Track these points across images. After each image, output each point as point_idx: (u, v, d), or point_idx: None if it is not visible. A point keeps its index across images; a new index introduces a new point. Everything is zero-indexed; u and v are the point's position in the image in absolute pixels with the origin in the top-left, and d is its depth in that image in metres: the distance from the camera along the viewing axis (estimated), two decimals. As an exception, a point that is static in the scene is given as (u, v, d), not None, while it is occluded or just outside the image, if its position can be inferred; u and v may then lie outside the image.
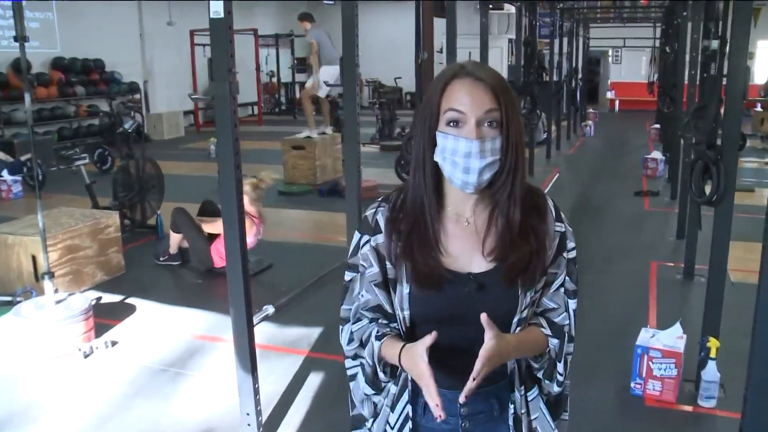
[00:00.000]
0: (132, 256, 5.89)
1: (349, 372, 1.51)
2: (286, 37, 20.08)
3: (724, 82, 3.36)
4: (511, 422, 1.43)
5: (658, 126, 13.00)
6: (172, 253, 5.74)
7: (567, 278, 1.44)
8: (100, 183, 7.16)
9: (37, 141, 10.38)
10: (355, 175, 3.61)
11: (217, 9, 2.46)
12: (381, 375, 1.42)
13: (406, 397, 1.43)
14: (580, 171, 10.84)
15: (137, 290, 5.16)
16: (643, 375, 3.43)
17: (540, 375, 1.46)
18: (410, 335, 1.39)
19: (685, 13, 7.36)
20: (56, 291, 4.18)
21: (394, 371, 1.44)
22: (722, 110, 3.51)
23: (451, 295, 1.33)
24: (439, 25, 6.65)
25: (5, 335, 4.08)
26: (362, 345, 1.44)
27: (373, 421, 1.51)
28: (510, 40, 18.62)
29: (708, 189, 3.61)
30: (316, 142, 9.27)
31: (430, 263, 1.34)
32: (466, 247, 1.37)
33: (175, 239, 5.69)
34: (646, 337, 3.49)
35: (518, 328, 1.37)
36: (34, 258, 4.74)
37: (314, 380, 3.72)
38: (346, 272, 1.47)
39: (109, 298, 5.02)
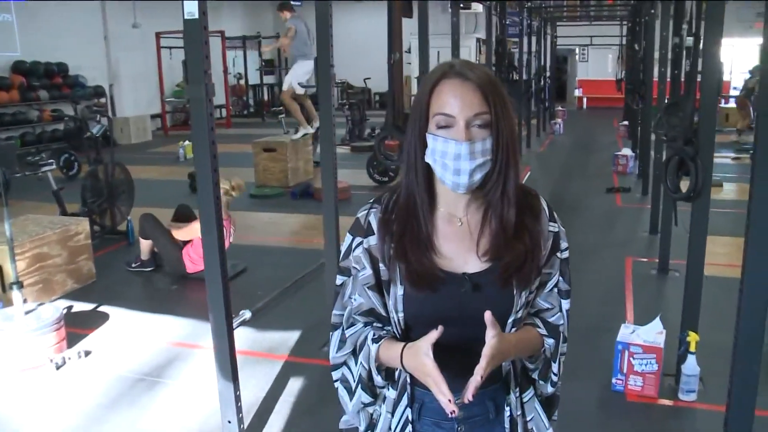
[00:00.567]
0: (103, 263, 5.77)
1: (338, 381, 1.47)
2: (254, 39, 19.93)
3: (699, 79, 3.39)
4: (507, 424, 1.42)
5: (626, 123, 13.17)
6: (144, 259, 5.64)
7: (560, 278, 1.44)
8: (67, 189, 7.01)
9: (-1, 147, 10.18)
10: (332, 177, 3.57)
11: (191, 10, 2.41)
12: (377, 379, 1.39)
13: (405, 400, 1.40)
14: (551, 169, 10.92)
15: (110, 298, 5.05)
16: (624, 371, 3.44)
17: (535, 375, 1.46)
18: (405, 338, 1.37)
19: (652, 11, 7.45)
20: (25, 301, 4.07)
21: (390, 375, 1.41)
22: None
23: (445, 296, 1.31)
24: (407, 25, 6.63)
25: (-27, 348, 3.96)
26: (355, 350, 1.41)
27: None
28: (478, 40, 18.70)
29: (683, 184, 3.65)
30: (287, 144, 9.20)
31: (424, 264, 1.32)
32: (460, 248, 1.35)
33: (145, 245, 5.59)
34: (626, 333, 3.50)
35: (514, 329, 1.36)
36: (0, 268, 4.61)
37: (295, 385, 3.67)
38: (337, 276, 1.44)
39: (80, 306, 4.91)
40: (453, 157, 1.25)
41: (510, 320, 1.35)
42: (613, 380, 3.49)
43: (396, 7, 6.76)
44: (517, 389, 1.43)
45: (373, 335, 1.37)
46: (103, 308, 4.86)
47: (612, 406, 3.43)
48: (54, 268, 5.04)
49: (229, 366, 2.85)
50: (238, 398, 2.93)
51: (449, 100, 1.26)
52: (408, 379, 1.39)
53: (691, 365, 3.35)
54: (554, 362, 1.44)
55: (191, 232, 5.27)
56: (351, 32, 19.57)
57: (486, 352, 1.23)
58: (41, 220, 5.43)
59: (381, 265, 1.36)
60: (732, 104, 15.68)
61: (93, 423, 3.34)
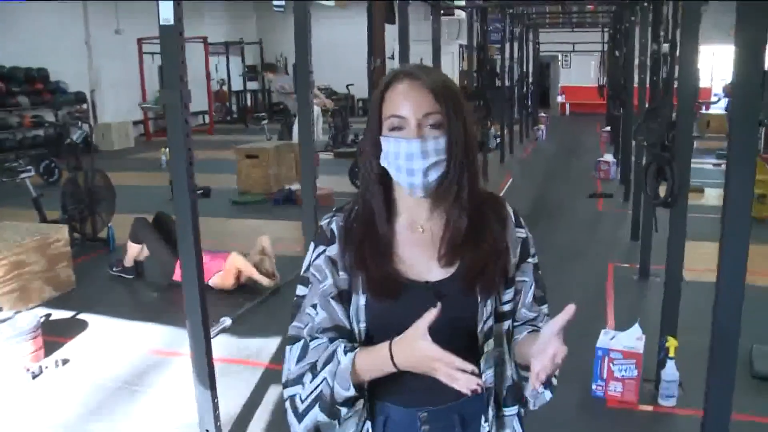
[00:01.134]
0: (83, 270, 5.71)
1: (289, 400, 1.33)
2: (236, 45, 19.88)
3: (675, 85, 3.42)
4: None
5: (608, 129, 13.25)
6: (126, 265, 5.58)
7: (534, 285, 1.42)
8: (47, 196, 6.94)
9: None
10: (311, 183, 3.56)
11: (167, 16, 2.39)
12: (348, 394, 1.26)
13: (364, 414, 1.33)
14: (533, 175, 10.96)
15: (89, 305, 4.99)
16: (604, 377, 3.45)
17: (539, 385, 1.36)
18: None
19: (633, 18, 7.51)
20: (1, 309, 4.01)
21: (360, 389, 1.29)
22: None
23: (408, 305, 1.27)
24: (390, 31, 6.64)
25: (-52, 357, 3.90)
26: (315, 365, 1.29)
27: None
28: (461, 46, 18.78)
29: (662, 190, 3.67)
30: (270, 150, 9.18)
31: (384, 271, 1.29)
32: (422, 255, 1.33)
33: (132, 251, 5.54)
34: (606, 339, 3.51)
35: (488, 341, 1.33)
36: (-23, 275, 4.55)
37: (275, 392, 3.63)
38: (298, 286, 1.38)
39: (59, 314, 4.85)
40: (405, 157, 1.24)
41: (479, 330, 1.32)
42: (593, 386, 3.50)
43: (378, 13, 6.77)
44: (495, 404, 1.38)
45: (345, 347, 1.28)
46: (82, 316, 4.81)
47: (592, 412, 3.43)
48: (31, 275, 4.98)
49: (206, 374, 2.82)
50: (216, 406, 2.90)
51: (400, 101, 1.25)
52: (366, 393, 1.31)
53: (670, 371, 3.36)
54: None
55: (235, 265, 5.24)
56: (334, 38, 19.57)
57: (558, 340, 1.24)
58: (19, 227, 5.38)
59: (342, 273, 1.32)
60: (713, 110, 15.87)
61: (70, 433, 3.30)
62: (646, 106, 5.26)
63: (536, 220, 7.54)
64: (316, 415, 1.29)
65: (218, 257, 5.20)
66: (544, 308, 1.45)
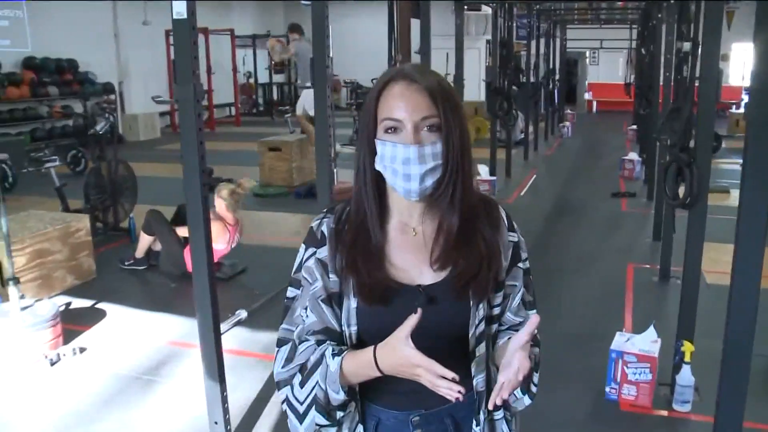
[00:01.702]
0: (104, 259, 5.78)
1: (284, 402, 1.33)
2: (264, 38, 19.93)
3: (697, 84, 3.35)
4: None
5: (635, 127, 13.08)
6: (137, 257, 5.65)
7: (524, 290, 1.40)
8: (72, 185, 7.04)
9: (8, 142, 10.26)
10: (326, 177, 3.55)
11: (180, 10, 2.40)
12: (339, 397, 1.25)
13: (356, 416, 1.33)
14: (557, 172, 10.86)
15: (108, 295, 5.06)
16: (618, 380, 3.41)
17: (518, 390, 1.34)
18: None
19: (660, 15, 7.39)
20: (22, 297, 4.07)
21: (351, 392, 1.30)
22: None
23: (400, 309, 1.24)
24: (417, 25, 6.61)
25: (-31, 343, 3.97)
26: (304, 367, 1.28)
27: None
28: (488, 42, 18.64)
29: (682, 191, 3.61)
30: (293, 143, 9.20)
31: (376, 276, 1.27)
32: (414, 259, 1.31)
33: (144, 242, 5.60)
34: (620, 341, 3.46)
35: (479, 345, 1.31)
36: (0, 263, 4.62)
37: (286, 387, 3.65)
38: (288, 288, 1.37)
39: (79, 303, 4.92)
40: (402, 162, 1.22)
41: (470, 334, 1.30)
42: (607, 389, 3.46)
43: (403, 7, 6.74)
44: (486, 408, 1.36)
45: (332, 350, 1.27)
46: (101, 305, 4.88)
47: (605, 416, 3.39)
48: (54, 264, 5.06)
49: (215, 367, 2.83)
50: (225, 399, 2.92)
51: (396, 103, 1.23)
52: (358, 396, 1.32)
53: (685, 375, 3.31)
54: (536, 372, 1.39)
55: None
56: (361, 32, 19.54)
57: (523, 353, 1.18)
58: (43, 216, 5.45)
59: (333, 275, 1.31)
60: (744, 109, 15.58)
61: (83, 421, 3.34)
62: (670, 104, 5.17)
63: (558, 218, 7.49)
64: (314, 417, 1.29)
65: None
66: (533, 314, 1.40)
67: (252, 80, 20.21)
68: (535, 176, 10.19)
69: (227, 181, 6.03)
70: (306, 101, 9.41)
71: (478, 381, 1.33)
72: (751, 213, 2.20)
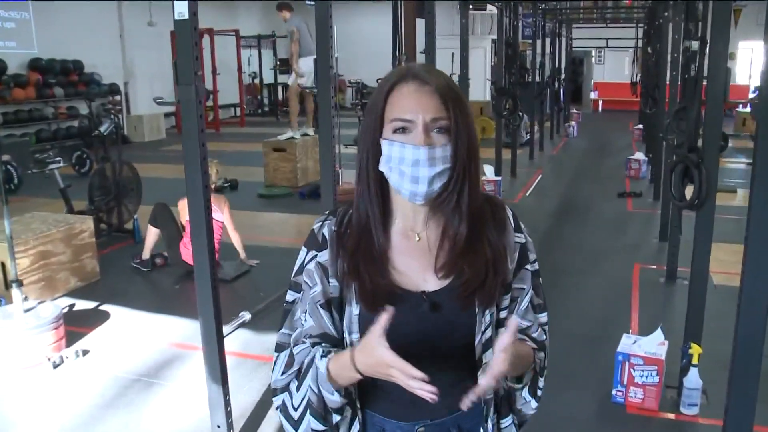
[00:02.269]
0: (108, 261, 5.77)
1: (278, 409, 1.32)
2: (269, 38, 19.95)
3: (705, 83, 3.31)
4: None
5: (641, 126, 13.03)
6: (143, 258, 5.65)
7: (533, 293, 1.35)
8: (77, 186, 7.03)
9: (13, 143, 10.28)
10: (331, 178, 3.53)
11: (181, 10, 2.38)
12: (334, 399, 1.23)
13: (357, 425, 1.30)
14: (563, 172, 10.82)
15: (112, 297, 5.05)
16: (625, 382, 3.37)
17: (525, 392, 1.34)
18: None
19: (666, 14, 7.34)
20: (26, 299, 4.06)
21: (348, 395, 1.27)
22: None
23: (403, 317, 1.21)
24: (422, 25, 6.58)
25: (-28, 345, 3.96)
26: (300, 371, 1.27)
27: None
28: (493, 41, 18.59)
29: (688, 191, 3.57)
30: (297, 143, 9.19)
31: (379, 282, 1.24)
32: (418, 264, 1.27)
33: (151, 237, 5.62)
34: (627, 343, 3.43)
35: (486, 352, 1.27)
36: (3, 265, 4.62)
37: (290, 389, 3.62)
38: (288, 292, 1.35)
39: (82, 305, 4.91)
40: (411, 163, 1.17)
41: (477, 341, 1.27)
42: (613, 392, 3.42)
43: (408, 7, 6.71)
44: (495, 416, 1.34)
45: (322, 352, 1.24)
46: (104, 307, 4.86)
47: (611, 419, 3.35)
48: (57, 265, 5.05)
49: (218, 370, 2.81)
50: (228, 403, 2.89)
51: (407, 104, 1.19)
52: (358, 403, 1.29)
53: (693, 378, 3.27)
54: (541, 377, 1.36)
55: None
56: (367, 32, 19.51)
57: (504, 356, 1.12)
58: (46, 217, 5.45)
59: (333, 280, 1.27)
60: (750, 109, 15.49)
61: (85, 423, 3.32)
62: (677, 104, 5.13)
63: (564, 218, 7.44)
64: (310, 422, 1.26)
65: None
66: (542, 317, 1.37)
67: (257, 81, 20.22)
68: (540, 176, 10.15)
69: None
70: (302, 71, 9.20)
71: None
72: (762, 213, 2.17)
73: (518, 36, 9.87)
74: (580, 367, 3.82)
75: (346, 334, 1.28)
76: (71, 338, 4.20)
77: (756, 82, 17.82)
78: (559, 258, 5.95)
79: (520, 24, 10.34)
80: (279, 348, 1.33)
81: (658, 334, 3.44)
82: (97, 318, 4.66)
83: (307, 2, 14.00)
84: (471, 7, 9.08)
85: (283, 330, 1.33)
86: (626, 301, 4.89)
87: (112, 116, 6.91)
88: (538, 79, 13.04)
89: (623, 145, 13.16)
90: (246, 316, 4.48)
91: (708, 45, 3.18)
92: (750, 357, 2.32)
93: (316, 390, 1.23)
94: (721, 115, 3.21)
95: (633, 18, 14.93)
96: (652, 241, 6.42)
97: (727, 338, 2.45)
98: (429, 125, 1.18)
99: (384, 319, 1.12)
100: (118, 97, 14.48)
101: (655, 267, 5.62)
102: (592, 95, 21.90)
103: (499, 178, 8.70)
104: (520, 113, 9.64)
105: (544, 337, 1.37)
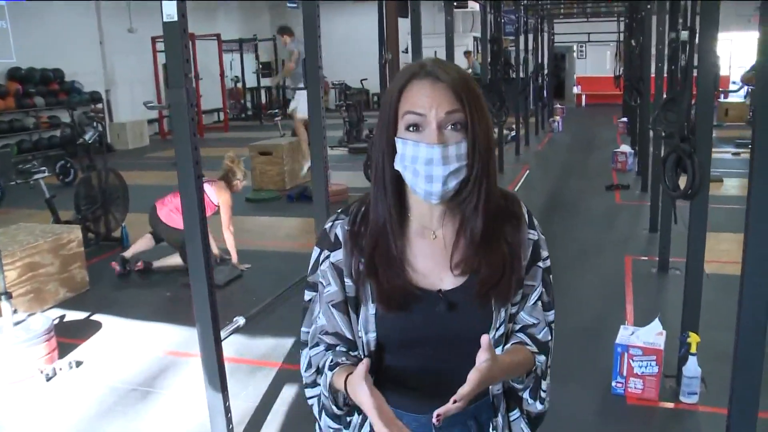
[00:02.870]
0: (97, 271, 5.70)
1: (310, 401, 1.38)
2: (250, 42, 19.87)
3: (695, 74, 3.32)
4: None
5: (625, 119, 13.09)
6: (125, 255, 5.68)
7: (543, 290, 1.34)
8: (62, 196, 6.95)
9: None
10: (323, 179, 3.51)
11: (170, 12, 2.34)
12: (333, 409, 1.28)
13: (367, 428, 1.30)
14: (549, 167, 10.84)
15: (103, 306, 4.98)
16: (624, 373, 3.37)
17: (526, 395, 1.35)
18: (378, 359, 1.27)
19: (648, 6, 7.38)
20: (15, 312, 4.00)
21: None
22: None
23: (419, 315, 1.22)
24: (404, 24, 6.58)
25: (-38, 361, 3.90)
26: (318, 372, 1.32)
27: None
28: (475, 39, 18.64)
29: (681, 181, 3.57)
30: (284, 147, 9.14)
31: (396, 282, 1.23)
32: (434, 263, 1.26)
33: (140, 244, 5.60)
34: (625, 335, 3.43)
35: (499, 347, 1.27)
36: (-9, 277, 4.55)
37: (288, 393, 3.60)
38: (305, 291, 1.35)
39: (73, 316, 4.84)
40: (424, 162, 1.15)
41: (491, 338, 1.25)
42: (613, 383, 3.42)
43: (390, 6, 6.70)
44: (504, 409, 1.34)
45: (331, 361, 1.26)
46: (96, 317, 4.80)
47: (612, 410, 3.35)
48: (46, 277, 4.98)
49: (217, 376, 2.78)
50: (228, 409, 2.86)
51: (420, 99, 1.16)
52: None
53: (692, 367, 3.28)
54: (545, 379, 1.35)
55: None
56: (348, 33, 19.53)
57: (473, 377, 1.10)
58: (33, 228, 5.37)
59: (348, 280, 1.27)
60: (732, 99, 15.62)
61: (83, 436, 3.28)
62: (664, 95, 5.15)
63: (553, 213, 7.46)
64: (325, 420, 1.33)
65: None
66: (550, 315, 1.35)
67: (240, 84, 20.13)
68: (527, 172, 10.17)
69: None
70: (299, 100, 9.23)
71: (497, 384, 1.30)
72: (762, 202, 2.16)
73: (502, 32, 9.87)
74: (577, 361, 3.81)
75: (362, 334, 1.27)
76: (63, 350, 4.14)
77: (735, 73, 18.01)
78: (550, 252, 5.91)
79: (502, 20, 10.35)
80: (302, 345, 1.38)
81: (656, 324, 3.44)
82: (88, 328, 4.60)
83: (288, 4, 13.96)
84: (455, 4, 9.08)
85: (303, 328, 1.37)
86: (620, 293, 4.90)
87: (95, 124, 6.84)
88: (522, 75, 13.07)
89: (608, 139, 13.22)
90: (240, 321, 4.43)
91: (697, 35, 3.18)
92: (753, 343, 2.32)
93: (326, 393, 1.27)
94: (712, 105, 3.22)
95: (614, 12, 15.02)
96: (642, 233, 6.44)
97: (722, 326, 2.45)
98: (443, 121, 1.16)
99: (362, 366, 1.13)
100: (100, 105, 14.35)
101: (646, 258, 5.64)
102: (575, 90, 22.00)
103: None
104: (507, 110, 9.65)
105: (549, 336, 1.35)
